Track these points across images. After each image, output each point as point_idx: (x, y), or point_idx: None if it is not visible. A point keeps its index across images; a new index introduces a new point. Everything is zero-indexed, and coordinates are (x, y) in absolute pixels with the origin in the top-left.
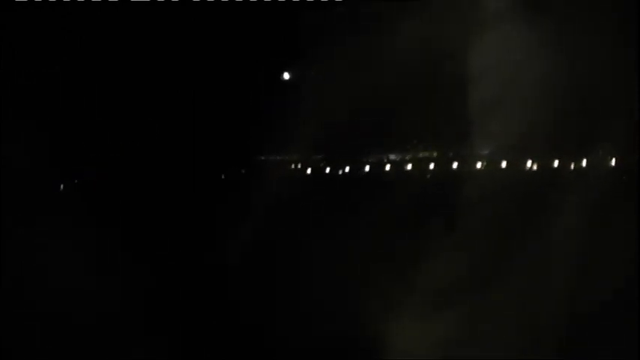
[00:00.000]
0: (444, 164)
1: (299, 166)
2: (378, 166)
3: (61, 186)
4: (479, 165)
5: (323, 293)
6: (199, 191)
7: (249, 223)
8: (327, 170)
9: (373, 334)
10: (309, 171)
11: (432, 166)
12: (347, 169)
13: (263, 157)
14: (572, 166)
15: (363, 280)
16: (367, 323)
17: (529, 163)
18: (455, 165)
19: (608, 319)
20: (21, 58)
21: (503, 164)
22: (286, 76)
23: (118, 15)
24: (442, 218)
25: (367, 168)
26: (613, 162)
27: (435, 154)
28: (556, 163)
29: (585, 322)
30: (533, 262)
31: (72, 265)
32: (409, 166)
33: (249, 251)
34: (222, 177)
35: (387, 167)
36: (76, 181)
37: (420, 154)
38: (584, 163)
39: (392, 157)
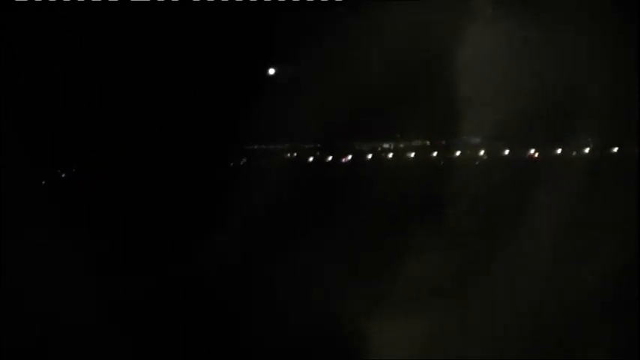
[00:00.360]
0: (436, 152)
1: (294, 154)
2: (370, 154)
3: (59, 184)
4: (470, 153)
5: (317, 290)
6: (197, 181)
7: (242, 215)
8: (322, 159)
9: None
10: (303, 159)
11: (424, 154)
12: (341, 157)
13: (258, 147)
14: (565, 155)
15: (357, 275)
16: (363, 320)
17: (520, 152)
18: (448, 153)
19: (607, 315)
20: (21, 58)
21: (495, 153)
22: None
23: (118, 15)
24: (436, 208)
25: (361, 156)
26: (606, 152)
27: (427, 143)
28: (549, 152)
29: (584, 319)
30: (529, 253)
31: (68, 264)
32: (402, 155)
33: (242, 245)
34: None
35: (380, 156)
36: (73, 179)
37: (413, 143)
38: (576, 152)
39: (385, 145)
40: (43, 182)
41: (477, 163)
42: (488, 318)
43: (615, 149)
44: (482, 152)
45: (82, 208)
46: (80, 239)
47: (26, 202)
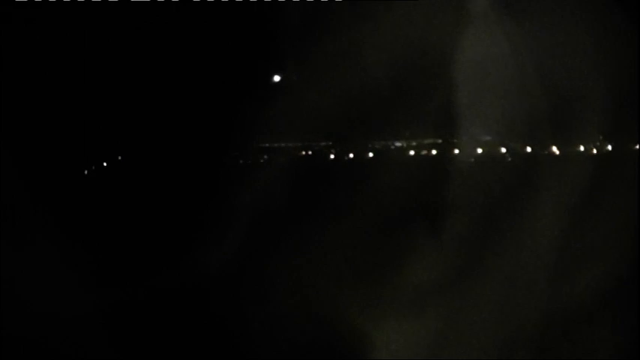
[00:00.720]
0: (447, 150)
1: (308, 152)
2: (381, 153)
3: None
4: (481, 150)
5: (325, 293)
6: (206, 183)
7: (253, 216)
8: (332, 156)
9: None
10: (313, 157)
11: (436, 151)
12: (351, 155)
13: (267, 145)
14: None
15: (368, 277)
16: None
17: (528, 149)
18: (458, 150)
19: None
20: (21, 57)
21: (503, 150)
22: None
23: (118, 15)
24: (446, 204)
25: (371, 154)
26: (611, 148)
27: (438, 141)
28: (554, 149)
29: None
30: (538, 253)
31: (64, 268)
32: (413, 152)
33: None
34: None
35: (390, 154)
36: (74, 179)
37: (424, 141)
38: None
39: (397, 144)
40: (41, 184)
41: (485, 160)
42: (497, 321)
43: (619, 147)
44: (489, 149)
45: (83, 207)
46: (78, 242)
47: (21, 206)
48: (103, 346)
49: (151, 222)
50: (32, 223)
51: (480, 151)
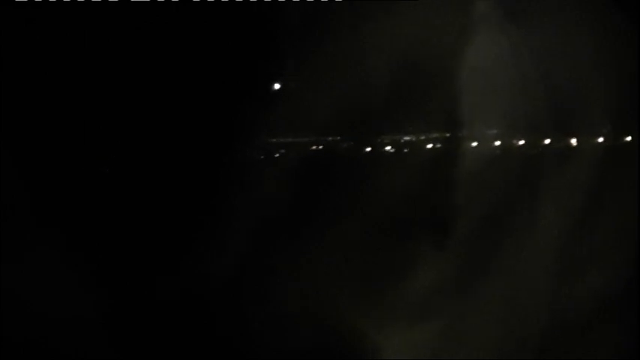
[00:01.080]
0: (455, 144)
1: (319, 147)
2: (391, 147)
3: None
4: (491, 144)
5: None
6: (212, 180)
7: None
8: (343, 151)
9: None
10: (325, 152)
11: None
12: (362, 149)
13: (275, 140)
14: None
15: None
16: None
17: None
18: (467, 145)
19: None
20: (21, 57)
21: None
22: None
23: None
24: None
25: (381, 149)
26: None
27: (447, 135)
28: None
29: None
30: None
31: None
32: (422, 147)
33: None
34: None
35: (402, 149)
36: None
37: (433, 135)
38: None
39: (406, 138)
40: (41, 184)
41: (493, 153)
42: (506, 322)
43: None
44: (498, 143)
45: (83, 207)
46: (79, 243)
47: (21, 207)
48: (103, 346)
49: (154, 220)
50: (32, 223)
51: (485, 145)
